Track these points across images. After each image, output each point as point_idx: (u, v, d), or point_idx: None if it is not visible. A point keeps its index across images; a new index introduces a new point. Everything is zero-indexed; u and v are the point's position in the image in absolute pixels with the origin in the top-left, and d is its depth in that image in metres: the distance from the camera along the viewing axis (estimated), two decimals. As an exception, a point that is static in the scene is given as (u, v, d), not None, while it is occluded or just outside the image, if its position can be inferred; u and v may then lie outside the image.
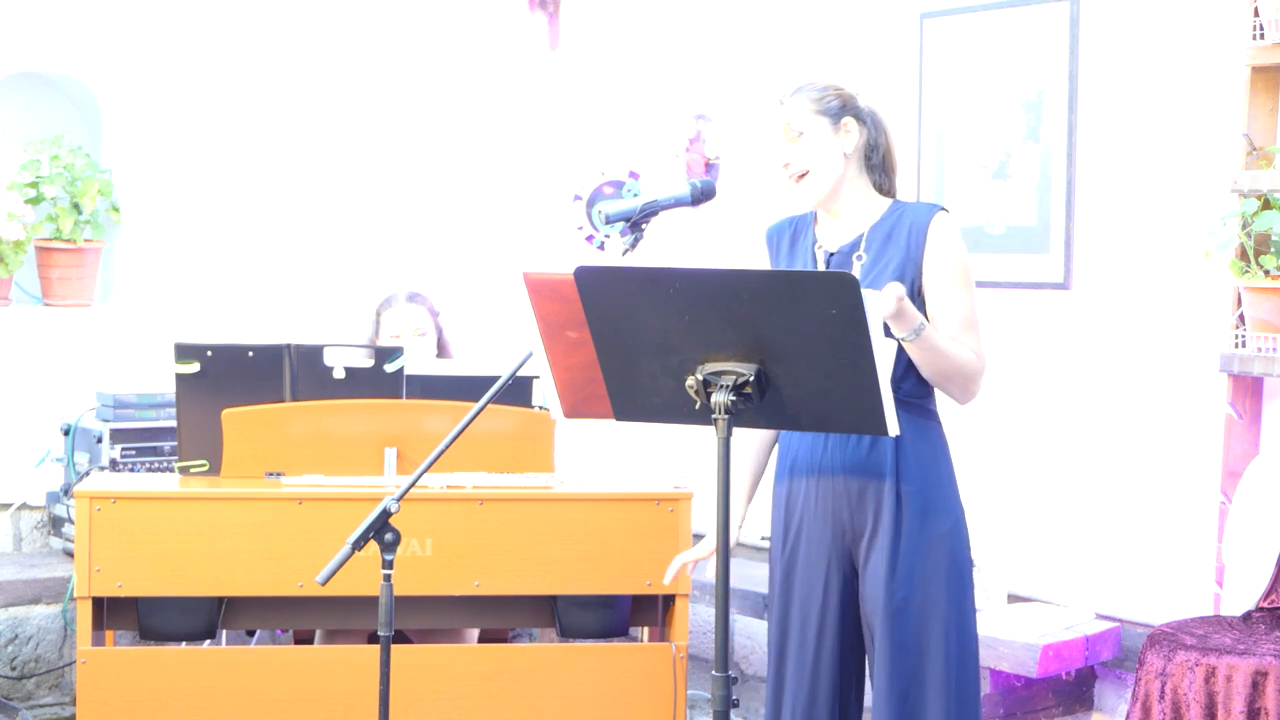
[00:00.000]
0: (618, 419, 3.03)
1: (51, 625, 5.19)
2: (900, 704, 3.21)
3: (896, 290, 3.02)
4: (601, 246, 5.98)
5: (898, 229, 3.27)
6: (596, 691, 3.90)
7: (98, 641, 3.86)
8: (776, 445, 3.49)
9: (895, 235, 3.26)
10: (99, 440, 5.00)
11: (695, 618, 5.49)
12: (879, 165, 3.35)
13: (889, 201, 3.34)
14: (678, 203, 3.40)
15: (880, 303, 2.99)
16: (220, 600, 3.89)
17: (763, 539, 5.05)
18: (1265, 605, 4.07)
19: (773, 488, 3.41)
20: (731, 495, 3.24)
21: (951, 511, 3.26)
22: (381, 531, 3.16)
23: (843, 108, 3.28)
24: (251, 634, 4.41)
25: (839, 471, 3.25)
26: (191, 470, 4.05)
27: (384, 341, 4.92)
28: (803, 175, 3.27)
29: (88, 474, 4.79)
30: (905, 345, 3.14)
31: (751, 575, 4.88)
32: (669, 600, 3.98)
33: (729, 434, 2.85)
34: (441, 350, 5.01)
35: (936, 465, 3.26)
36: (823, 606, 3.29)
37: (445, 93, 6.27)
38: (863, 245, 3.29)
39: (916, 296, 3.22)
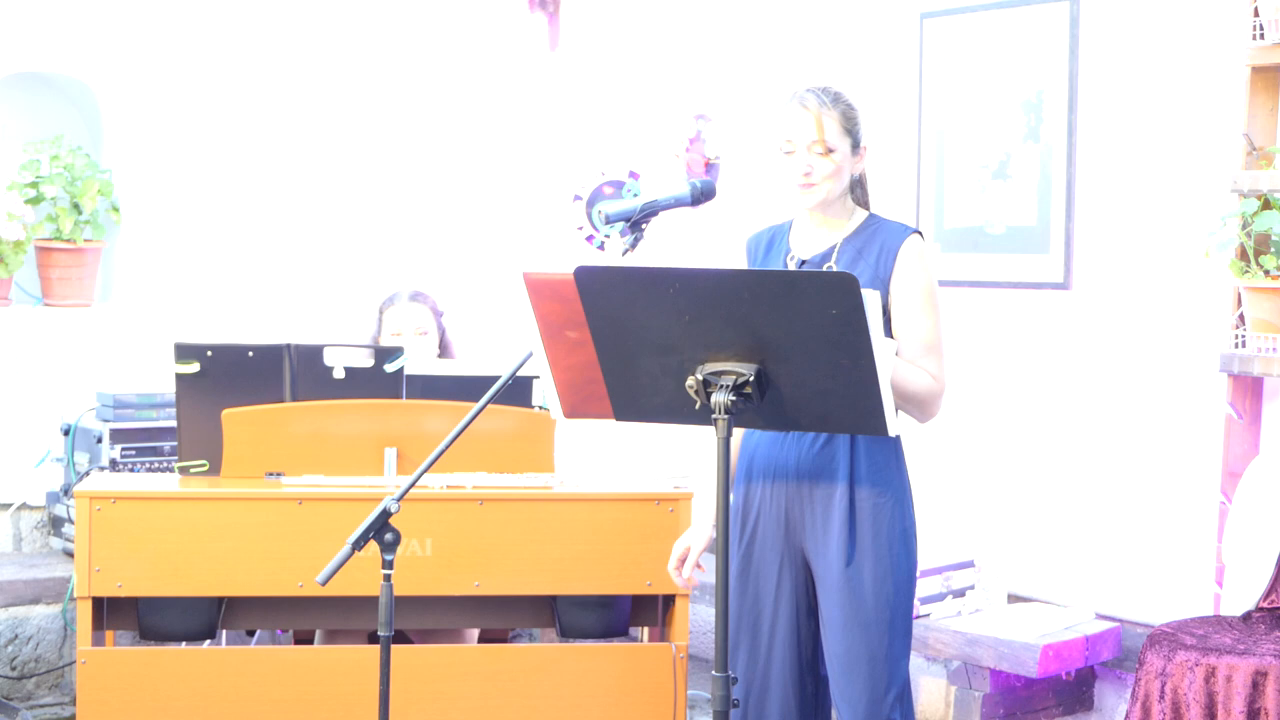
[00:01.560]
0: (618, 419, 3.03)
1: (51, 625, 5.19)
2: (859, 695, 3.26)
3: None
4: (601, 246, 5.97)
5: (869, 246, 3.30)
6: (596, 691, 3.90)
7: (98, 641, 3.86)
8: None
9: (866, 252, 3.29)
10: (99, 440, 5.00)
11: (695, 618, 5.49)
12: (856, 178, 3.39)
13: (865, 214, 3.37)
14: (678, 203, 3.41)
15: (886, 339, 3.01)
16: (220, 600, 3.89)
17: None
18: (1265, 605, 4.07)
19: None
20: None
21: (905, 517, 3.29)
22: (381, 531, 3.16)
23: (861, 132, 3.31)
24: (251, 634, 4.41)
25: (792, 473, 3.28)
26: (191, 470, 4.05)
27: (386, 340, 4.92)
28: (814, 185, 3.28)
29: (88, 474, 4.79)
30: None
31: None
32: (669, 600, 3.98)
33: (729, 434, 2.86)
34: (444, 350, 5.00)
35: (888, 472, 3.28)
36: (774, 605, 3.34)
37: (445, 93, 6.27)
38: (834, 256, 3.31)
39: (882, 315, 3.23)
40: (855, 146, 3.30)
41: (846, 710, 3.27)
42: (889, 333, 3.24)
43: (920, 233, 3.32)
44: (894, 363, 3.17)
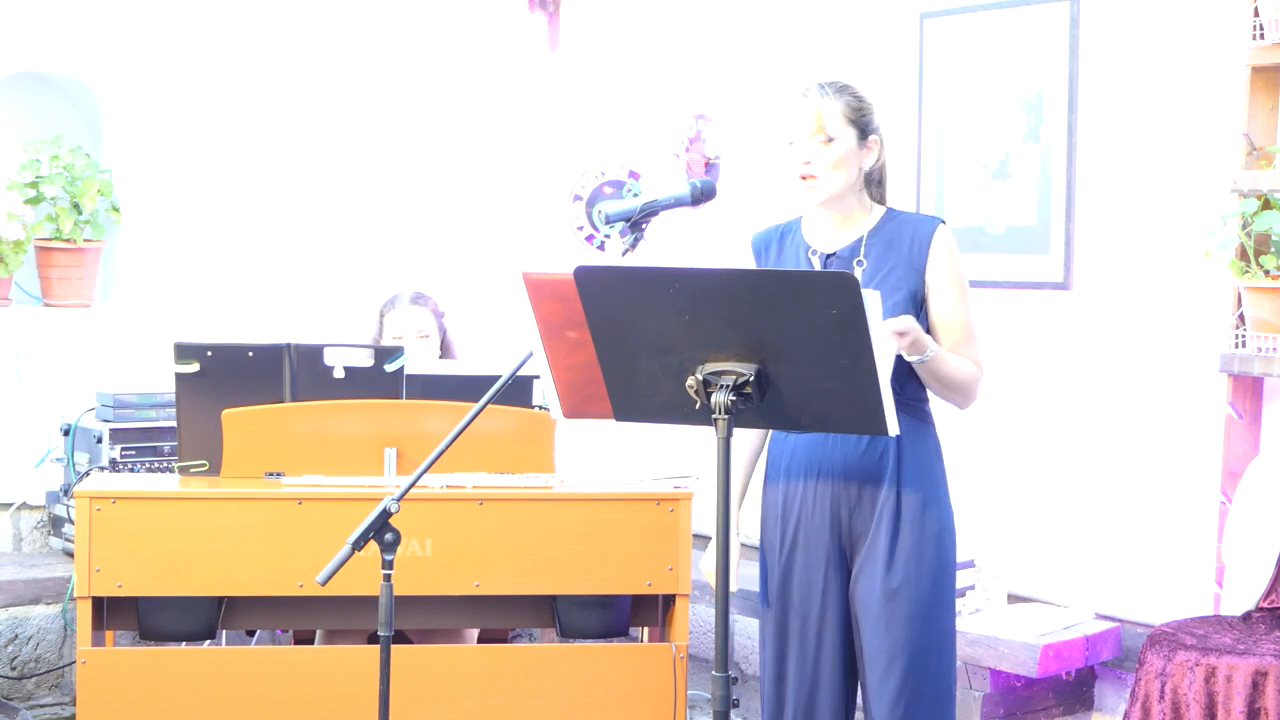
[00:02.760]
0: (618, 419, 3.03)
1: (51, 625, 5.19)
2: (897, 698, 3.24)
3: (902, 324, 3.08)
4: (601, 246, 5.98)
5: (898, 238, 3.29)
6: (596, 691, 3.89)
7: (98, 641, 3.85)
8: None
9: (896, 244, 3.29)
10: (99, 440, 5.00)
11: (695, 618, 5.49)
12: (875, 177, 3.38)
13: (883, 208, 3.36)
14: (678, 203, 3.41)
15: (887, 339, 3.01)
16: (220, 600, 3.89)
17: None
18: (1265, 605, 4.07)
19: (763, 488, 3.42)
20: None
21: (944, 514, 3.32)
22: (381, 531, 3.16)
23: (871, 123, 3.30)
24: (251, 634, 4.41)
25: (839, 473, 3.27)
26: (191, 470, 4.05)
27: (387, 343, 4.91)
28: (815, 177, 3.27)
29: (88, 474, 4.78)
30: (915, 368, 3.20)
31: (752, 575, 4.87)
32: (669, 600, 3.98)
33: (729, 434, 2.86)
34: (445, 350, 5.00)
35: (931, 468, 3.31)
36: (822, 607, 3.32)
37: (445, 93, 6.27)
38: (862, 251, 3.31)
39: (921, 306, 3.26)
40: (864, 136, 3.28)
41: (882, 710, 3.25)
42: (924, 322, 3.24)
43: (945, 221, 3.33)
44: (944, 358, 3.20)
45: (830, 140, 3.25)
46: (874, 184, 3.37)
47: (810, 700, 3.33)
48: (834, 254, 3.33)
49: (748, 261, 3.47)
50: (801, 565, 3.33)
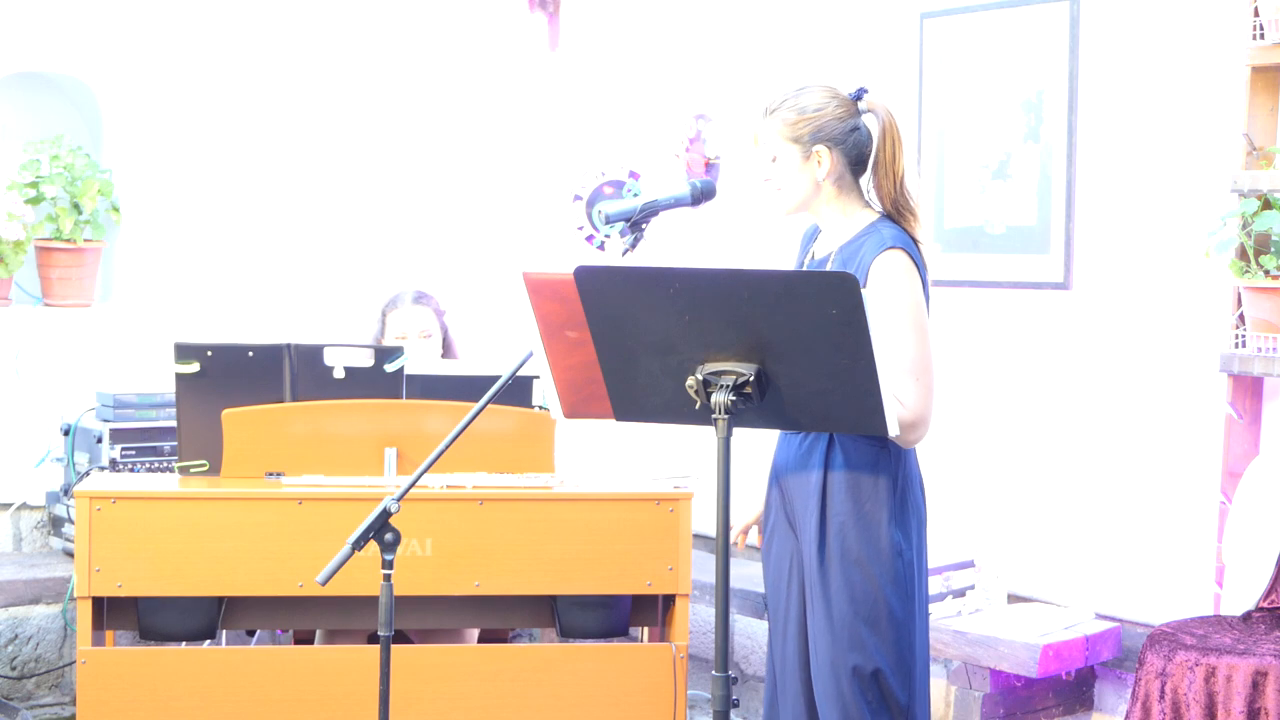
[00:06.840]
0: (618, 419, 3.03)
1: (51, 625, 5.19)
2: (827, 686, 3.21)
3: None
4: (601, 246, 5.97)
5: (855, 255, 3.19)
6: (596, 691, 3.90)
7: (98, 641, 3.86)
8: None
9: (850, 261, 3.18)
10: (99, 440, 5.00)
11: (695, 618, 5.49)
12: (870, 175, 3.25)
13: (872, 219, 3.24)
14: (678, 203, 3.41)
15: None
16: (220, 600, 3.89)
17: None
18: (1265, 605, 4.07)
19: None
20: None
21: (881, 513, 3.18)
22: (381, 531, 3.16)
23: (815, 134, 3.18)
24: (251, 634, 4.41)
25: (786, 470, 3.29)
26: (191, 470, 4.05)
27: (389, 342, 4.92)
28: (778, 190, 3.26)
29: (88, 474, 4.79)
30: None
31: (751, 575, 4.87)
32: (669, 600, 3.99)
33: (729, 434, 2.86)
34: (447, 350, 5.00)
35: (867, 464, 3.17)
36: (786, 601, 3.33)
37: (445, 93, 6.27)
38: (830, 262, 3.25)
39: None
40: (808, 149, 3.18)
41: (823, 707, 3.24)
42: None
43: (902, 248, 3.16)
44: None
45: (774, 159, 3.23)
46: (877, 186, 3.25)
47: (781, 691, 3.33)
48: (817, 259, 3.32)
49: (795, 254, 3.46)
50: (774, 561, 3.35)
